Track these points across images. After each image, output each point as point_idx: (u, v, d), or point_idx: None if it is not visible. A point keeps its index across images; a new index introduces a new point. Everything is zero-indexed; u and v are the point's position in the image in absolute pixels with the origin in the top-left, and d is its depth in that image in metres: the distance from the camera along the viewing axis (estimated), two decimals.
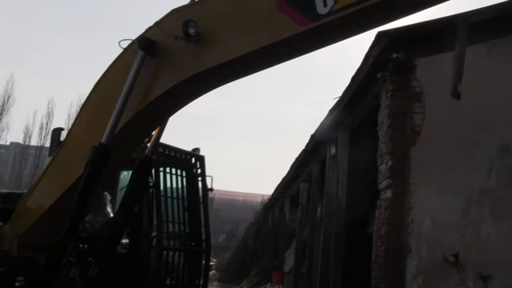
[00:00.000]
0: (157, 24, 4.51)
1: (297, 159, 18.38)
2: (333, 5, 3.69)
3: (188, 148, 8.74)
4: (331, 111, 12.08)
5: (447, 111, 7.82)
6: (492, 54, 8.26)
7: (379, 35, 7.83)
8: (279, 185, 24.88)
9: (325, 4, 3.72)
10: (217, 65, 4.23)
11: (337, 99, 11.30)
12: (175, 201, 8.18)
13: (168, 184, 8.14)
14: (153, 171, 7.22)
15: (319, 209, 15.77)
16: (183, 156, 8.54)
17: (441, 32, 7.86)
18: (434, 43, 8.12)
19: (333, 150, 13.24)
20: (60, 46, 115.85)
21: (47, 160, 6.12)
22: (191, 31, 4.17)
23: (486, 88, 7.99)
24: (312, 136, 14.86)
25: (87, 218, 5.87)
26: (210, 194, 9.09)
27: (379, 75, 8.52)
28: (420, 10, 3.99)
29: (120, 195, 7.26)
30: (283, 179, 22.87)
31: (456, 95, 6.85)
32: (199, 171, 8.70)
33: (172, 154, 8.27)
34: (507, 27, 8.19)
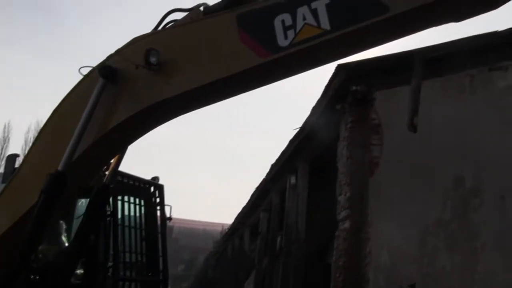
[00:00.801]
0: (118, 51, 4.49)
1: (257, 188, 18.37)
2: (294, 38, 3.75)
3: (148, 176, 8.65)
4: (291, 141, 12.18)
5: (404, 143, 7.99)
6: (447, 89, 8.53)
7: (339, 67, 7.99)
8: (239, 214, 24.76)
9: (285, 37, 3.78)
10: (178, 95, 4.23)
11: (298, 129, 11.41)
12: (132, 230, 8.04)
13: (126, 213, 8.01)
14: (111, 199, 7.11)
15: (278, 239, 15.75)
16: (142, 185, 8.43)
17: (398, 66, 8.09)
18: (392, 77, 8.33)
19: (293, 180, 13.30)
20: (18, 68, 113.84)
21: (0, 187, 5.95)
22: (153, 59, 4.16)
23: (442, 122, 8.22)
24: (273, 166, 14.92)
25: (40, 247, 5.70)
26: (170, 223, 8.99)
27: (338, 107, 8.67)
28: (376, 46, 4.09)
29: (76, 223, 7.10)
30: (243, 208, 22.79)
31: (412, 128, 7.00)
32: (158, 200, 8.59)
33: (131, 182, 8.16)
34: (461, 63, 8.47)
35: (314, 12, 3.70)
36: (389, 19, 3.52)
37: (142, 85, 4.34)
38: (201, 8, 4.29)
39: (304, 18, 3.72)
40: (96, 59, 4.74)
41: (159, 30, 4.50)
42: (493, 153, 8.21)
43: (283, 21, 3.78)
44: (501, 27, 8.49)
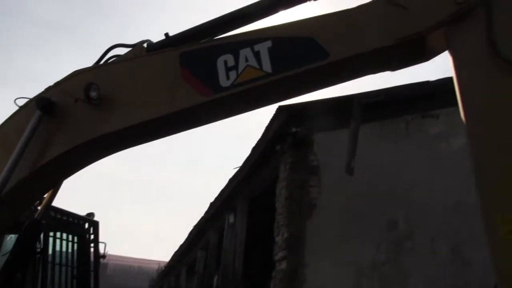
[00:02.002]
0: (57, 84, 4.40)
1: (195, 226, 18.20)
2: (236, 79, 3.78)
3: (83, 212, 8.42)
4: (231, 180, 12.19)
5: (342, 186, 8.14)
6: (384, 133, 8.81)
7: (280, 109, 8.13)
8: (176, 252, 24.36)
9: (227, 77, 3.80)
10: (117, 131, 4.16)
11: (238, 168, 11.44)
12: (63, 268, 7.75)
13: (58, 250, 7.73)
14: (42, 235, 6.85)
15: (215, 278, 15.54)
16: (76, 221, 8.18)
17: (338, 110, 8.29)
18: (331, 120, 8.53)
19: (231, 219, 13.25)
20: None
21: None
22: (93, 94, 4.09)
23: (378, 165, 8.45)
24: (212, 204, 14.84)
25: None
26: (104, 260, 8.73)
27: (278, 147, 8.77)
28: (317, 90, 4.18)
29: (1, 261, 6.78)
30: (181, 246, 22.45)
31: (350, 170, 7.16)
32: (92, 236, 8.35)
33: (64, 218, 7.90)
34: (397, 109, 8.80)
35: (257, 55, 3.76)
36: (329, 65, 3.62)
37: (81, 119, 4.25)
38: (145, 45, 4.28)
39: (247, 60, 3.76)
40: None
41: (101, 65, 4.44)
42: (424, 197, 8.49)
43: (225, 62, 3.81)
44: (433, 77, 8.93)
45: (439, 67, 3.37)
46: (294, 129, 8.28)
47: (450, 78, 3.24)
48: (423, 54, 3.60)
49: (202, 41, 4.07)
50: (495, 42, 3.03)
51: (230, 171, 12.08)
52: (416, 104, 8.95)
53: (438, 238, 8.46)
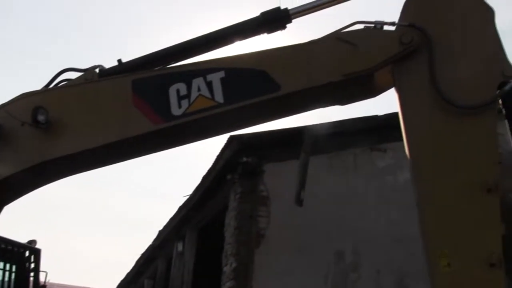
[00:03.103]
0: (3, 106, 4.29)
1: (143, 254, 17.84)
2: (187, 108, 3.78)
3: (24, 239, 8.12)
4: (180, 208, 12.07)
5: (291, 217, 8.18)
6: (333, 165, 8.95)
7: (231, 138, 8.16)
8: (122, 281, 23.71)
9: (179, 106, 3.80)
10: (64, 156, 4.08)
11: (187, 196, 11.35)
12: None
13: None
14: None
15: None
16: (15, 249, 7.87)
17: (288, 141, 8.38)
18: (282, 151, 8.61)
19: (180, 247, 13.09)
20: None
21: None
22: (41, 118, 4.00)
23: (327, 197, 8.55)
24: (160, 232, 14.62)
25: None
26: None
27: (228, 177, 8.77)
28: (268, 121, 4.23)
29: None
30: (127, 274, 21.90)
31: (299, 202, 7.20)
32: (32, 265, 8.04)
33: (3, 246, 7.60)
34: (347, 142, 8.97)
35: (209, 85, 3.78)
36: (280, 97, 3.68)
37: (27, 143, 4.15)
38: (97, 70, 4.24)
39: (199, 89, 3.78)
40: None
41: (50, 88, 4.36)
42: (371, 229, 8.63)
43: (178, 90, 3.82)
44: (381, 112, 9.16)
45: (389, 102, 3.48)
46: (244, 159, 8.31)
47: (398, 113, 3.36)
48: (371, 90, 3.72)
49: (156, 68, 4.07)
50: (437, 82, 3.16)
51: (180, 199, 11.97)
52: (365, 138, 9.16)
53: (384, 270, 8.58)
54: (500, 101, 3.18)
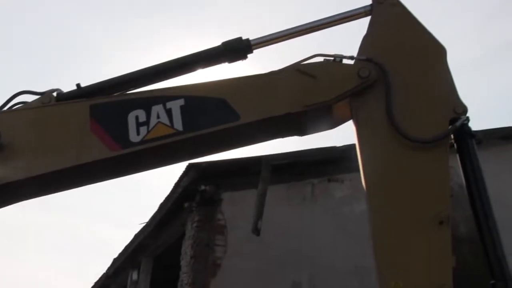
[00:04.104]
0: None
1: (96, 283, 17.42)
2: (146, 135, 3.74)
3: None
4: (136, 235, 11.88)
5: (248, 246, 8.15)
6: (290, 195, 8.99)
7: (190, 166, 8.12)
8: None
9: (138, 133, 3.76)
10: (18, 181, 3.98)
11: (144, 224, 11.20)
12: None
13: None
14: None
15: None
16: None
17: (247, 170, 8.41)
18: (240, 179, 8.62)
19: (135, 276, 12.86)
20: None
21: None
22: None
23: (284, 227, 8.56)
24: (115, 260, 14.33)
25: None
26: None
27: (186, 205, 8.71)
28: (227, 150, 4.24)
29: None
30: None
31: (256, 231, 7.20)
32: None
33: None
34: (305, 172, 9.05)
35: (169, 112, 3.76)
36: (239, 127, 3.70)
37: None
38: (54, 94, 4.17)
39: (158, 117, 3.76)
40: None
41: (5, 111, 4.27)
42: (327, 260, 8.67)
43: (137, 117, 3.78)
44: (340, 143, 9.30)
45: (348, 133, 3.55)
46: (203, 187, 8.27)
47: (355, 145, 3.42)
48: (329, 122, 3.78)
49: (115, 94, 4.04)
50: (392, 116, 3.25)
51: (137, 226, 11.79)
52: (323, 168, 9.26)
53: None
54: (452, 136, 3.29)
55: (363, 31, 3.69)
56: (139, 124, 3.77)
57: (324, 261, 8.64)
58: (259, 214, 7.29)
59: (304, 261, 8.63)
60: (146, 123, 3.75)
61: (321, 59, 3.62)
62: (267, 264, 8.39)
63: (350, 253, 8.62)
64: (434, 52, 3.51)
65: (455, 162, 3.31)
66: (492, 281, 2.92)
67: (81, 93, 4.07)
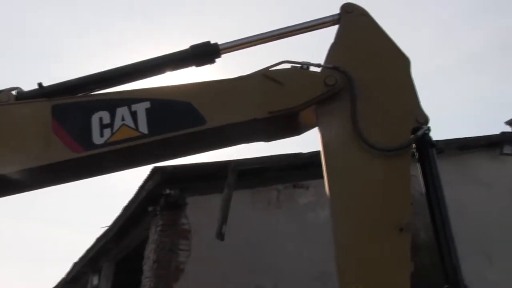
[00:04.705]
0: None
1: None
2: (110, 137, 3.70)
3: None
4: (98, 239, 11.71)
5: (212, 251, 8.12)
6: (256, 201, 9.00)
7: (154, 170, 8.05)
8: None
9: (101, 135, 3.71)
10: None
11: (106, 227, 11.04)
12: None
13: None
14: None
15: None
16: None
17: (212, 175, 8.38)
18: (205, 184, 8.59)
19: (95, 281, 12.66)
20: None
21: None
22: None
23: (249, 232, 8.56)
24: (75, 264, 14.08)
25: None
26: None
27: (150, 209, 8.63)
28: (193, 154, 4.22)
29: None
30: None
31: (220, 236, 7.17)
32: None
33: None
34: (270, 178, 9.08)
35: (134, 115, 3.72)
36: (205, 131, 3.69)
37: None
38: (14, 92, 4.08)
39: (123, 119, 3.71)
40: None
41: None
42: (291, 265, 8.70)
43: (101, 119, 3.73)
44: (305, 149, 9.37)
45: (314, 140, 3.58)
46: (167, 191, 8.21)
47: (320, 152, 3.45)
48: (295, 128, 3.81)
49: (78, 95, 3.97)
50: (357, 124, 3.30)
51: (98, 230, 11.62)
52: (288, 174, 9.30)
53: None
54: (414, 145, 3.36)
55: (331, 39, 3.73)
56: (103, 126, 3.72)
57: (288, 267, 8.67)
58: (223, 219, 7.26)
59: (268, 266, 8.64)
60: (110, 125, 3.70)
61: (288, 65, 3.65)
62: (231, 269, 8.37)
63: (314, 259, 8.67)
64: (399, 63, 3.58)
65: (417, 171, 3.38)
66: (446, 286, 2.99)
67: (42, 92, 3.99)
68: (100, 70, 4.03)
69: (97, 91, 3.98)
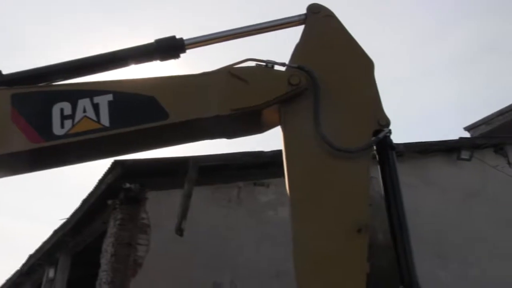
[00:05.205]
0: None
1: (8, 280, 16.70)
2: (70, 128, 3.64)
3: None
4: (56, 231, 11.51)
5: (171, 246, 8.08)
6: (216, 197, 8.99)
7: (115, 163, 7.96)
8: None
9: (62, 126, 3.64)
10: None
11: (64, 220, 10.86)
12: None
13: None
14: None
15: None
16: None
17: (173, 170, 8.33)
18: (166, 179, 8.53)
19: (51, 274, 12.45)
20: None
21: None
22: None
23: (208, 229, 8.55)
24: (31, 256, 13.81)
25: None
26: None
27: (109, 202, 8.53)
28: (155, 149, 4.19)
29: None
30: None
31: (179, 231, 7.15)
32: None
33: None
34: (231, 175, 9.08)
35: (96, 107, 3.67)
36: (168, 126, 3.67)
37: None
38: None
39: (85, 111, 3.66)
40: None
41: None
42: (249, 262, 8.73)
43: (62, 110, 3.67)
44: (267, 148, 9.40)
45: (277, 138, 3.60)
46: (127, 185, 8.12)
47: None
48: (258, 127, 3.82)
49: (40, 84, 3.90)
50: (319, 124, 3.33)
51: (56, 222, 11.42)
52: (250, 172, 9.32)
53: None
54: (374, 147, 3.41)
55: (296, 39, 3.76)
56: (63, 117, 3.65)
57: (247, 264, 8.69)
58: (183, 215, 7.24)
59: (226, 263, 8.64)
60: (71, 116, 3.64)
61: (253, 63, 3.65)
62: (189, 264, 8.34)
63: (272, 257, 8.71)
64: (363, 65, 3.63)
65: (376, 173, 3.43)
66: (401, 286, 3.05)
67: (2, 81, 3.90)
68: (63, 60, 3.96)
69: (59, 81, 3.91)
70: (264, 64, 3.63)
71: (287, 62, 3.64)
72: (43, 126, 3.65)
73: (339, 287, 3.00)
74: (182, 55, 3.93)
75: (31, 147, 3.68)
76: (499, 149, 12.07)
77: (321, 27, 3.78)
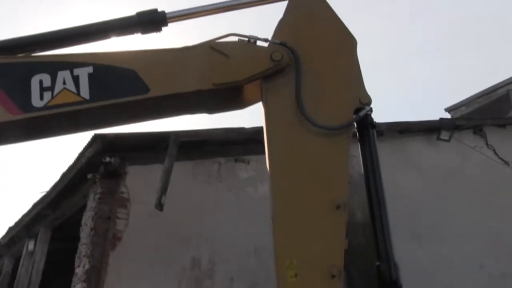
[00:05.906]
0: None
1: None
2: (50, 101, 3.61)
3: None
4: (35, 205, 11.44)
5: (150, 221, 8.08)
6: (196, 173, 8.99)
7: (95, 137, 7.90)
8: None
9: (41, 98, 3.61)
10: None
11: (44, 193, 10.80)
12: None
13: None
14: None
15: None
16: None
17: (154, 145, 8.30)
18: (146, 154, 8.49)
19: (30, 246, 12.41)
20: None
21: None
22: None
23: (188, 204, 8.56)
24: (10, 229, 13.75)
25: None
26: None
27: (89, 176, 8.48)
28: (135, 122, 4.17)
29: None
30: None
31: (159, 206, 7.15)
32: None
33: None
34: (212, 151, 9.08)
35: (76, 79, 3.64)
36: (148, 100, 3.64)
37: None
38: None
39: (64, 83, 3.63)
40: None
41: None
42: (228, 238, 8.78)
43: (41, 81, 3.63)
44: (248, 124, 9.40)
45: (259, 115, 3.60)
46: (107, 159, 8.07)
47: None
48: (239, 102, 3.82)
49: (19, 55, 3.84)
50: (300, 100, 3.34)
51: (35, 195, 11.35)
52: (230, 148, 9.33)
53: (237, 278, 8.75)
54: (355, 125, 3.43)
55: (280, 15, 3.74)
56: (43, 89, 3.62)
57: (225, 240, 8.75)
58: (163, 190, 7.24)
59: (205, 238, 8.68)
60: (51, 88, 3.61)
61: (235, 38, 3.64)
62: (168, 239, 8.36)
63: (251, 233, 8.77)
64: (345, 43, 3.63)
65: (357, 151, 3.46)
66: (377, 263, 3.10)
67: None
68: (44, 31, 3.90)
69: (38, 52, 3.85)
70: (246, 39, 3.62)
71: (270, 38, 3.63)
72: (22, 97, 3.61)
73: (317, 262, 3.04)
74: (164, 28, 3.90)
75: (10, 119, 3.64)
76: (478, 130, 12.22)
77: (304, 4, 3.77)
